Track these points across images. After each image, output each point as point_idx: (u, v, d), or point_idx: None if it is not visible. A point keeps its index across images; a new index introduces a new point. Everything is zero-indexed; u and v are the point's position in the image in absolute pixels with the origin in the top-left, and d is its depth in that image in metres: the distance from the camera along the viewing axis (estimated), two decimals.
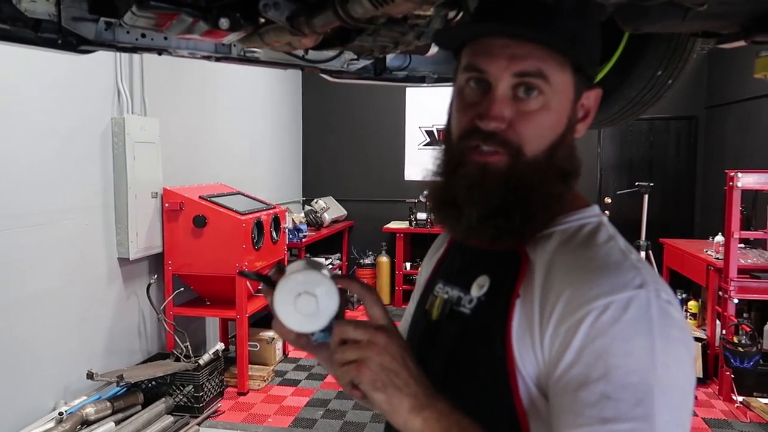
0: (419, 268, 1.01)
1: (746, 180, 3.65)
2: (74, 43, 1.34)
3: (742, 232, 3.79)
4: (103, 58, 3.26)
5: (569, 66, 0.73)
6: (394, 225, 6.26)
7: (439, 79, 1.88)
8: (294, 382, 4.13)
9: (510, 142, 0.72)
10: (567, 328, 0.65)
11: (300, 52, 1.53)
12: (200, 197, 3.75)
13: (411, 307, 0.97)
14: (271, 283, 0.76)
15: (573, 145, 0.77)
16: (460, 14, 1.19)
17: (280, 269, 0.76)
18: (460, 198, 0.75)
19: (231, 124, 4.91)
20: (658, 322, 0.64)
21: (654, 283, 0.67)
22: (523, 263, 0.74)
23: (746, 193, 3.88)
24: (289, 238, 4.81)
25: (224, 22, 1.03)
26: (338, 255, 6.47)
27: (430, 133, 6.50)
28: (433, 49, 1.63)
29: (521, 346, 0.69)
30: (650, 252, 4.50)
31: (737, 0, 0.92)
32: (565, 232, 0.75)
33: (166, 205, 3.69)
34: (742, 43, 1.08)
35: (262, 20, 1.10)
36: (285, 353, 4.61)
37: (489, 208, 0.73)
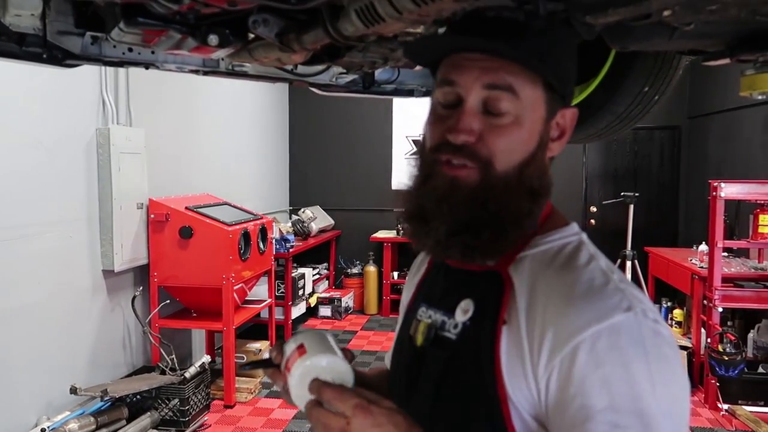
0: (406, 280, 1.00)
1: (729, 190, 3.69)
2: (59, 57, 1.33)
3: (726, 241, 3.83)
4: (87, 68, 3.23)
5: (540, 83, 0.73)
6: (381, 234, 6.25)
7: (428, 93, 1.88)
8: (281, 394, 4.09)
9: (480, 155, 0.72)
10: (561, 360, 0.65)
11: (289, 66, 1.53)
12: (186, 208, 3.71)
13: (398, 329, 0.96)
14: (273, 365, 0.76)
15: (545, 163, 0.77)
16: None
17: (279, 346, 0.76)
18: (429, 211, 0.74)
19: (217, 134, 4.88)
20: (652, 344, 0.64)
21: (639, 303, 0.67)
22: (506, 286, 0.73)
23: (729, 203, 3.93)
24: (276, 248, 4.78)
25: (213, 39, 1.03)
26: (325, 265, 6.44)
27: (417, 142, 6.51)
28: None
29: (512, 376, 0.68)
30: (636, 261, 4.54)
31: (723, 20, 0.93)
32: (546, 252, 0.75)
33: (152, 216, 3.66)
34: (727, 60, 1.09)
35: (252, 36, 1.10)
36: None
37: (458, 224, 0.73)
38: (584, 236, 0.77)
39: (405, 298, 0.94)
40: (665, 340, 0.66)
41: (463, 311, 0.76)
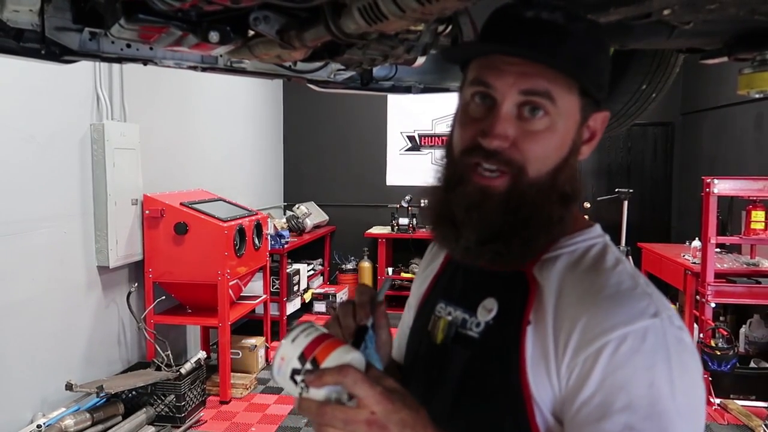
0: (414, 276, 0.99)
1: (722, 186, 3.72)
2: (57, 53, 1.32)
3: (719, 237, 3.86)
4: (82, 63, 3.19)
5: (576, 89, 0.72)
6: (375, 230, 6.25)
7: (425, 89, 1.89)
8: (277, 390, 4.10)
9: (513, 161, 0.71)
10: (585, 359, 0.65)
11: (287, 63, 1.52)
12: (181, 204, 3.70)
13: (406, 317, 0.95)
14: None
15: (576, 168, 0.76)
16: (449, 28, 1.20)
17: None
18: (459, 218, 0.74)
19: (212, 130, 4.86)
20: (675, 351, 0.65)
21: (666, 309, 0.67)
22: (532, 287, 0.73)
23: (722, 199, 3.95)
24: (271, 244, 4.78)
25: (214, 36, 1.02)
26: (320, 260, 6.44)
27: (411, 138, 6.51)
28: (420, 60, 1.64)
29: (536, 374, 0.69)
30: (630, 257, 4.57)
31: (721, 19, 0.94)
32: (572, 254, 0.75)
33: (147, 212, 3.64)
34: (725, 59, 1.10)
35: (252, 33, 1.10)
36: (267, 361, 4.57)
37: (488, 232, 0.72)
38: (608, 238, 0.78)
39: (417, 290, 0.93)
40: (688, 348, 0.66)
41: (487, 310, 0.76)
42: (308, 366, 0.62)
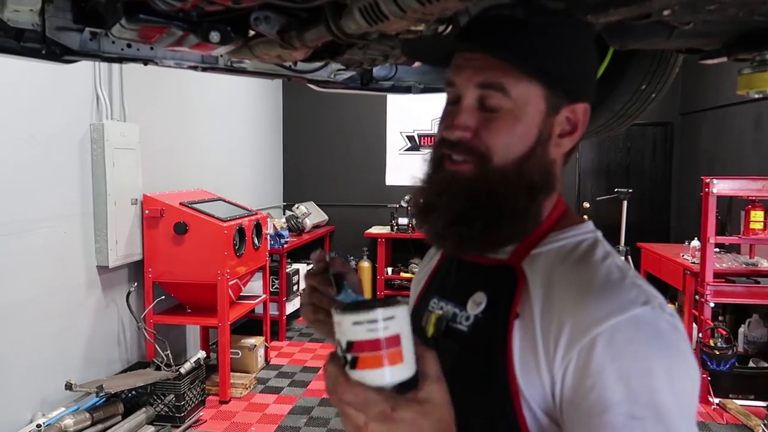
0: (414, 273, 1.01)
1: (721, 186, 3.72)
2: (58, 53, 1.33)
3: (718, 237, 3.86)
4: (82, 63, 3.20)
5: (537, 79, 0.73)
6: (375, 230, 6.26)
7: (425, 89, 1.89)
8: (276, 390, 4.11)
9: (476, 149, 0.74)
10: (579, 351, 0.65)
11: (288, 63, 1.52)
12: (181, 204, 3.70)
13: None
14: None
15: (547, 159, 0.77)
16: (449, 28, 1.20)
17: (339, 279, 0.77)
18: (432, 204, 0.78)
19: (211, 130, 4.86)
20: (669, 337, 0.65)
21: (655, 298, 0.68)
22: (520, 280, 0.74)
23: (721, 199, 3.96)
24: (270, 244, 4.78)
25: (215, 36, 1.02)
26: None
27: (411, 138, 6.51)
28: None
29: (524, 370, 0.69)
30: (629, 257, 4.57)
31: (721, 19, 0.94)
32: (562, 249, 0.75)
33: (146, 211, 3.65)
34: (724, 59, 1.10)
35: (252, 32, 1.10)
36: (267, 360, 4.58)
37: (454, 215, 0.75)
38: (599, 234, 0.78)
39: (414, 289, 0.95)
40: (681, 334, 0.67)
41: (476, 304, 0.77)
42: (349, 358, 0.56)
